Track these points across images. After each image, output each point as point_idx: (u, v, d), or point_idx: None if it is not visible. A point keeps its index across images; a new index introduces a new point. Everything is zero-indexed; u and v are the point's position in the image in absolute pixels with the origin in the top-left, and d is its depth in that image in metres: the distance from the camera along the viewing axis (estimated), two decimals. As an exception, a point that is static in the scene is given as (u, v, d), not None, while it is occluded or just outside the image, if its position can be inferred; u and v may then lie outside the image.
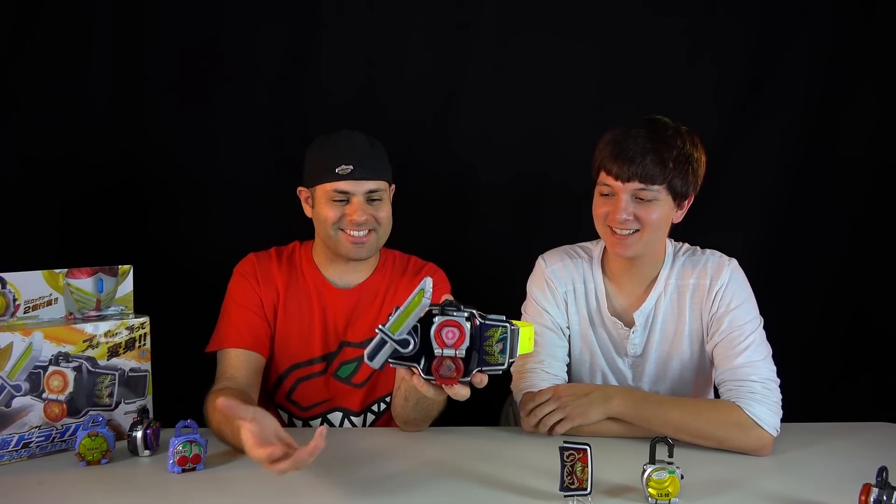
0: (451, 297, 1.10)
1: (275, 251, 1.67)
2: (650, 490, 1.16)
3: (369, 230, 1.55)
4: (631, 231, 1.47)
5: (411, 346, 1.08)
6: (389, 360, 1.09)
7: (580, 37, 2.03)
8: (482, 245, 2.08)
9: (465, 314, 1.07)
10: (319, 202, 1.57)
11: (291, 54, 2.03)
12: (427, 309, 1.07)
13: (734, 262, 1.55)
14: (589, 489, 1.14)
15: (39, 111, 1.95)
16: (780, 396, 1.45)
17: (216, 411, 1.33)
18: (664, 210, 1.47)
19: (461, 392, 1.08)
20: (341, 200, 1.54)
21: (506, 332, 1.08)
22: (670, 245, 1.59)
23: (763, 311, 1.56)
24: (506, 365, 1.09)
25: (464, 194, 2.09)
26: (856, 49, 2.01)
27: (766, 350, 1.49)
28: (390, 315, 1.08)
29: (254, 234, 2.02)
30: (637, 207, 1.46)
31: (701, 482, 1.23)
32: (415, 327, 1.08)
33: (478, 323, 1.08)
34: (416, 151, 2.05)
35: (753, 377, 1.44)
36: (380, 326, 1.09)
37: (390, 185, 1.62)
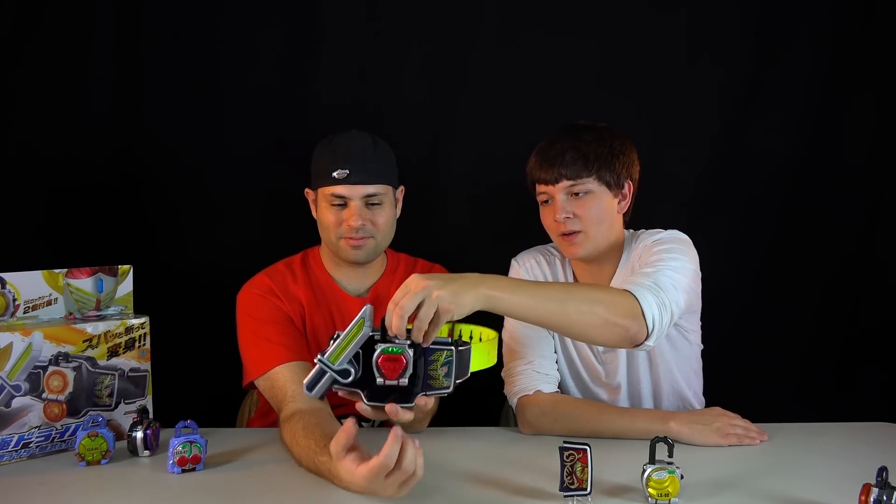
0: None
1: (283, 265, 1.62)
2: (650, 490, 1.16)
3: (366, 236, 1.53)
4: (576, 230, 1.47)
5: (352, 376, 1.05)
6: (334, 387, 1.07)
7: (581, 38, 2.03)
8: (482, 248, 2.08)
9: (408, 341, 1.04)
10: (321, 205, 1.56)
11: (292, 50, 2.02)
12: (369, 335, 1.04)
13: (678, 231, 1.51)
14: (589, 489, 1.13)
15: (39, 109, 1.95)
16: (673, 302, 1.31)
17: (298, 445, 1.28)
18: (603, 202, 1.49)
19: (404, 416, 1.07)
20: (339, 205, 1.52)
21: (451, 356, 1.06)
22: (626, 234, 1.58)
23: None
24: (451, 388, 1.08)
25: (461, 197, 2.09)
26: (856, 49, 2.01)
27: (681, 281, 1.36)
28: (331, 341, 1.05)
29: (253, 234, 2.03)
30: (575, 205, 1.48)
31: (701, 482, 1.23)
32: (356, 354, 1.05)
33: (420, 349, 1.06)
34: (414, 154, 2.05)
35: (649, 273, 1.34)
36: (318, 356, 1.05)
37: (396, 188, 1.59)
